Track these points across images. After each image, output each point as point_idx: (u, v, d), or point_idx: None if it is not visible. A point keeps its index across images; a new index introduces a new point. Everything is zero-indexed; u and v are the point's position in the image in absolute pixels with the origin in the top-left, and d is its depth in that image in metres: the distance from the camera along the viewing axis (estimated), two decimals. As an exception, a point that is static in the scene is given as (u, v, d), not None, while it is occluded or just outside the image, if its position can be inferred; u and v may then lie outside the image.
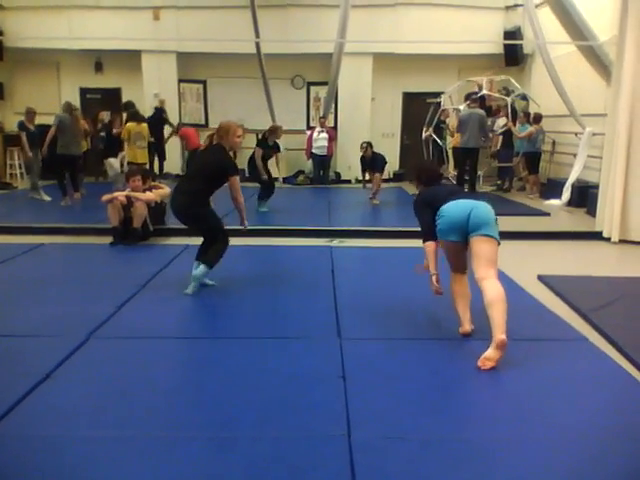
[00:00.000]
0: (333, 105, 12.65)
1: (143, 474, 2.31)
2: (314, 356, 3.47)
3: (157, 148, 10.97)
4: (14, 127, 10.06)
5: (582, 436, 2.64)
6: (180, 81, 13.05)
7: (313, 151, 11.66)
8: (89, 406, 2.83)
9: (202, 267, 4.69)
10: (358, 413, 2.75)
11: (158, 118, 10.93)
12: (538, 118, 10.59)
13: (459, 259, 3.83)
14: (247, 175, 8.74)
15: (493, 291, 3.47)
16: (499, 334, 3.29)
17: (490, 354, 3.32)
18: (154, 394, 2.97)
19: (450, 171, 11.96)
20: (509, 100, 11.24)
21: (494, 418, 2.77)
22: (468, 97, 10.83)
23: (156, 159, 11.35)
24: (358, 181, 11.72)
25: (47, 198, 9.24)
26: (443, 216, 3.72)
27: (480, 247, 3.59)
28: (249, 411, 2.79)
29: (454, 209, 3.70)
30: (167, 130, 11.61)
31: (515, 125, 11.04)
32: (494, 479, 2.32)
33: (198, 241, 6.65)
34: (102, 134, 10.62)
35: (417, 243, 6.58)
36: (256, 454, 2.44)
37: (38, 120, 9.58)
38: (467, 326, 3.84)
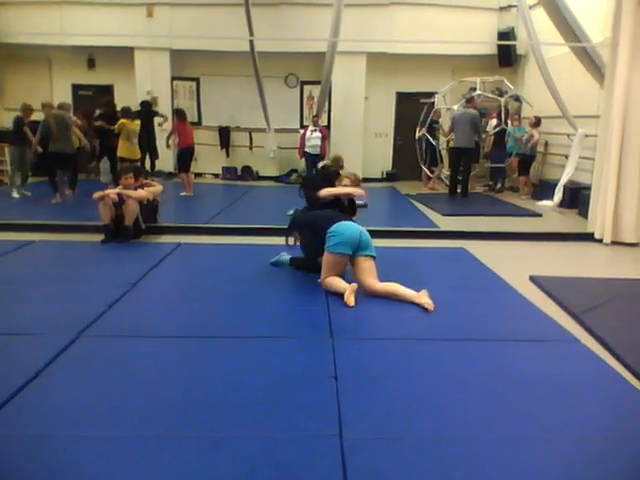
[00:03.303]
0: (326, 104, 12.64)
1: (133, 474, 2.29)
2: (306, 356, 3.46)
3: (149, 145, 10.89)
4: (5, 124, 10.00)
5: (573, 437, 2.64)
6: (173, 78, 13.01)
7: (306, 150, 11.63)
8: (79, 405, 2.81)
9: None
10: (350, 413, 2.74)
11: (146, 112, 10.82)
12: (538, 122, 10.59)
13: (342, 268, 4.70)
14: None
15: (389, 284, 4.56)
16: (418, 293, 4.39)
17: (429, 302, 4.30)
18: (144, 393, 2.95)
19: (444, 171, 11.99)
20: (502, 101, 11.27)
21: (486, 418, 2.76)
22: (469, 101, 10.84)
23: (148, 157, 11.26)
24: None
25: (16, 195, 9.41)
26: (341, 233, 4.59)
27: (370, 264, 4.63)
28: (240, 411, 2.77)
29: (347, 229, 4.62)
30: (157, 121, 11.20)
31: (507, 126, 11.09)
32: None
33: (191, 239, 6.68)
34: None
35: (408, 243, 6.66)
36: (247, 454, 2.42)
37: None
38: (349, 288, 4.42)
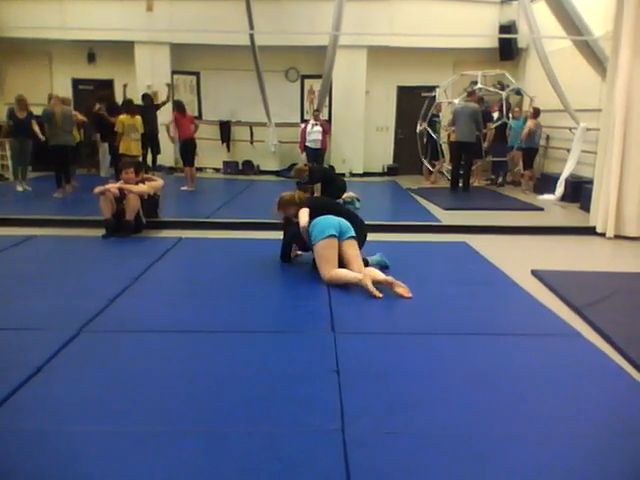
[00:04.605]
0: (327, 98, 12.61)
1: (135, 469, 2.29)
2: (308, 350, 3.45)
3: (151, 141, 10.88)
4: (4, 119, 10.01)
5: (576, 431, 2.63)
6: (174, 72, 12.97)
7: (307, 144, 11.59)
8: (80, 400, 2.81)
9: None
10: (352, 408, 2.74)
11: (148, 106, 10.86)
12: (536, 113, 10.54)
13: (337, 255, 4.65)
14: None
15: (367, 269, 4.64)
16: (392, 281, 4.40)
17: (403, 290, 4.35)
18: (146, 388, 2.95)
19: (445, 165, 11.97)
20: (504, 94, 11.24)
21: (488, 413, 2.76)
22: (470, 94, 10.81)
23: (149, 151, 11.25)
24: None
25: (20, 189, 9.45)
26: (319, 224, 4.70)
27: (355, 249, 4.72)
28: (242, 406, 2.77)
29: (325, 221, 4.73)
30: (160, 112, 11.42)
31: (509, 119, 11.07)
32: (488, 474, 2.31)
33: (192, 234, 6.67)
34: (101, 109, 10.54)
35: (409, 237, 6.66)
36: (249, 449, 2.42)
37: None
38: (360, 274, 4.46)
